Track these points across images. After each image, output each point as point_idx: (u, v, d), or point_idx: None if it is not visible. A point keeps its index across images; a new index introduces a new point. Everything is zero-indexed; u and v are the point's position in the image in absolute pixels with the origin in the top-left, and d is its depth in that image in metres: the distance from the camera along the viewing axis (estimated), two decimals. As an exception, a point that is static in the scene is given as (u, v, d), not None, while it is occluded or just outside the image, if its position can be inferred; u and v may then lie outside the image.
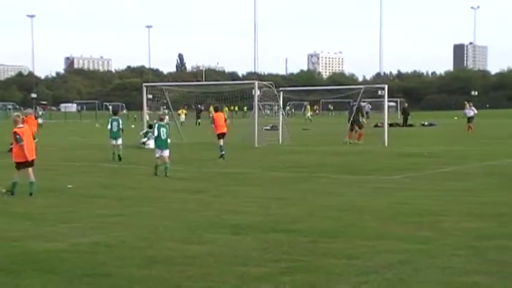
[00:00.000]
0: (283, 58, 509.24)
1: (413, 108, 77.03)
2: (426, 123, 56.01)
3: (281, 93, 36.90)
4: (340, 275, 7.47)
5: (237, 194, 14.42)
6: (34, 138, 26.62)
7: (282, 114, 36.08)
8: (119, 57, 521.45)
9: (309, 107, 76.50)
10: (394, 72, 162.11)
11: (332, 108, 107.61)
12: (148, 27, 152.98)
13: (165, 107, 41.45)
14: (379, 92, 53.04)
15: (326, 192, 14.67)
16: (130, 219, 11.37)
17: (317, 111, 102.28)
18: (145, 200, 13.65)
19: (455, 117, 62.43)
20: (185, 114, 60.82)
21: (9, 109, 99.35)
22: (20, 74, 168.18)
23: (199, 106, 62.28)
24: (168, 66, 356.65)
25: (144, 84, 36.47)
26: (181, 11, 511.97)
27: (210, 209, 12.38)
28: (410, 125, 52.82)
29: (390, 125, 38.85)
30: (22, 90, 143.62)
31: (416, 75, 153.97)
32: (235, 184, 16.38)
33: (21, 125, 14.46)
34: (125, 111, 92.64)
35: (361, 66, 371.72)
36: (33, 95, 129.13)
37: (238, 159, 23.63)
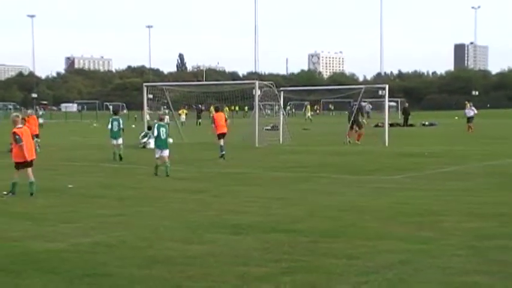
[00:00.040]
0: (283, 58, 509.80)
1: (413, 108, 76.99)
2: (427, 123, 56.00)
3: (282, 93, 36.91)
4: (340, 275, 7.46)
5: (238, 194, 14.42)
6: (37, 138, 26.93)
7: (283, 114, 36.08)
8: (120, 57, 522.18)
9: (309, 107, 76.46)
10: (395, 72, 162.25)
11: (332, 108, 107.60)
12: (149, 27, 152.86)
13: (165, 106, 41.52)
14: (380, 92, 53.01)
15: (326, 192, 14.67)
16: (131, 219, 11.38)
17: (317, 111, 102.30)
18: (146, 200, 13.65)
19: (456, 117, 62.42)
20: (186, 114, 60.85)
21: (10, 109, 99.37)
22: (20, 74, 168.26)
23: (199, 106, 62.31)
24: (168, 66, 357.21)
25: (145, 84, 36.46)
26: (182, 11, 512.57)
27: (211, 209, 12.38)
28: (411, 125, 52.81)
29: (391, 124, 38.85)
30: (23, 90, 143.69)
31: (417, 75, 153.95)
32: (235, 184, 16.38)
33: (21, 125, 14.46)
34: (125, 111, 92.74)
35: (362, 66, 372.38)
36: (34, 95, 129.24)
37: (238, 159, 23.63)
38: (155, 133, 18.99)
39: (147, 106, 35.48)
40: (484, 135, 37.76)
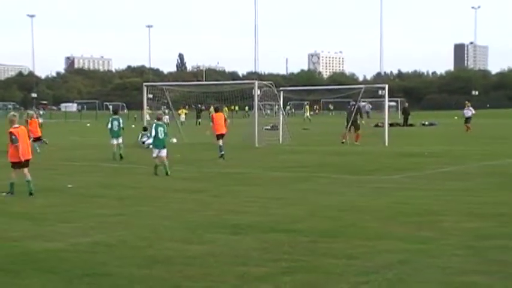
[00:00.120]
0: (283, 58, 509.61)
1: (413, 108, 76.98)
2: (426, 123, 56.01)
3: (281, 93, 36.90)
4: (340, 275, 7.46)
5: (237, 194, 14.41)
6: (40, 141, 26.84)
7: (282, 114, 36.09)
8: (119, 57, 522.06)
9: (308, 106, 76.43)
10: (395, 71, 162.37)
11: (332, 108, 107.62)
12: (149, 27, 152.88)
13: (165, 106, 41.48)
14: (380, 92, 52.89)
15: (326, 192, 14.67)
16: (131, 218, 11.38)
17: (316, 111, 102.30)
18: (146, 200, 13.66)
19: (455, 117, 62.41)
20: (185, 114, 60.84)
21: (10, 109, 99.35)
22: (20, 74, 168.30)
23: (199, 106, 62.30)
24: (168, 66, 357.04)
25: (145, 83, 36.46)
26: (182, 11, 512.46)
27: (210, 209, 12.38)
28: (411, 125, 52.81)
29: (391, 124, 38.84)
30: (22, 90, 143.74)
31: (416, 75, 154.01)
32: (235, 184, 16.38)
33: (17, 125, 14.38)
34: (125, 110, 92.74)
35: (362, 66, 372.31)
36: (34, 95, 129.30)
37: (238, 159, 23.63)
38: (153, 133, 18.99)
39: (147, 106, 35.47)
40: (484, 135, 37.78)
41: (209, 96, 47.31)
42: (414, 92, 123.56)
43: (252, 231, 10.03)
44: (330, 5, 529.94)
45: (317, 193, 14.43)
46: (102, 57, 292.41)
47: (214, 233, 9.92)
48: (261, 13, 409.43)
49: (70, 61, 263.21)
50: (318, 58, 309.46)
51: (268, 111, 55.67)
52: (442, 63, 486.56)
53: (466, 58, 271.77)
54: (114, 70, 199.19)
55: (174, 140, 31.85)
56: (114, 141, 23.92)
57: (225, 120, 25.87)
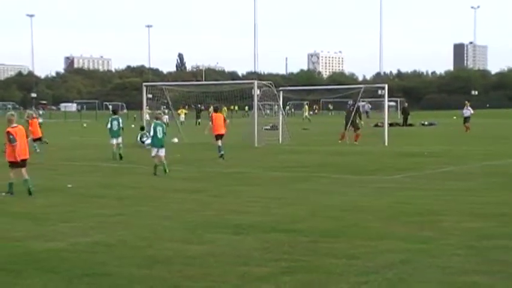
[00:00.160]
0: (283, 58, 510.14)
1: (413, 107, 77.10)
2: (426, 122, 56.02)
3: (281, 92, 36.89)
4: (340, 275, 7.45)
5: (238, 194, 14.39)
6: (41, 139, 26.77)
7: (282, 113, 36.07)
8: (119, 56, 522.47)
9: (307, 106, 76.44)
10: (394, 71, 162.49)
11: (332, 107, 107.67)
12: (148, 26, 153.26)
13: (165, 106, 41.49)
14: (379, 92, 53.05)
15: (327, 192, 14.65)
16: (130, 218, 11.36)
17: (316, 111, 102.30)
18: (145, 200, 13.64)
19: (454, 117, 62.43)
20: (185, 114, 60.83)
21: (9, 108, 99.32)
22: (19, 74, 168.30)
23: (199, 106, 62.28)
24: (168, 66, 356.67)
25: (144, 83, 36.47)
26: (181, 11, 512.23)
27: (210, 208, 12.36)
28: (411, 125, 52.82)
29: (390, 124, 38.84)
30: (22, 89, 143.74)
31: (416, 75, 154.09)
32: (235, 184, 16.36)
33: (15, 125, 14.33)
34: (125, 110, 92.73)
35: (361, 66, 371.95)
36: (33, 95, 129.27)
37: (238, 158, 23.62)
38: (152, 132, 18.97)
39: (147, 106, 35.46)
40: (484, 135, 37.79)
41: (209, 96, 47.26)
42: (414, 91, 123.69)
43: (253, 231, 10.01)
44: (329, 5, 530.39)
45: (318, 193, 14.41)
46: (101, 57, 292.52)
47: (214, 233, 9.90)
48: (261, 13, 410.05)
49: (69, 61, 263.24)
50: (318, 58, 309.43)
51: (268, 111, 55.62)
52: (441, 63, 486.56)
53: (465, 58, 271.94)
54: (113, 70, 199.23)
55: (176, 140, 31.84)
56: (114, 141, 23.91)
57: (225, 120, 25.83)
